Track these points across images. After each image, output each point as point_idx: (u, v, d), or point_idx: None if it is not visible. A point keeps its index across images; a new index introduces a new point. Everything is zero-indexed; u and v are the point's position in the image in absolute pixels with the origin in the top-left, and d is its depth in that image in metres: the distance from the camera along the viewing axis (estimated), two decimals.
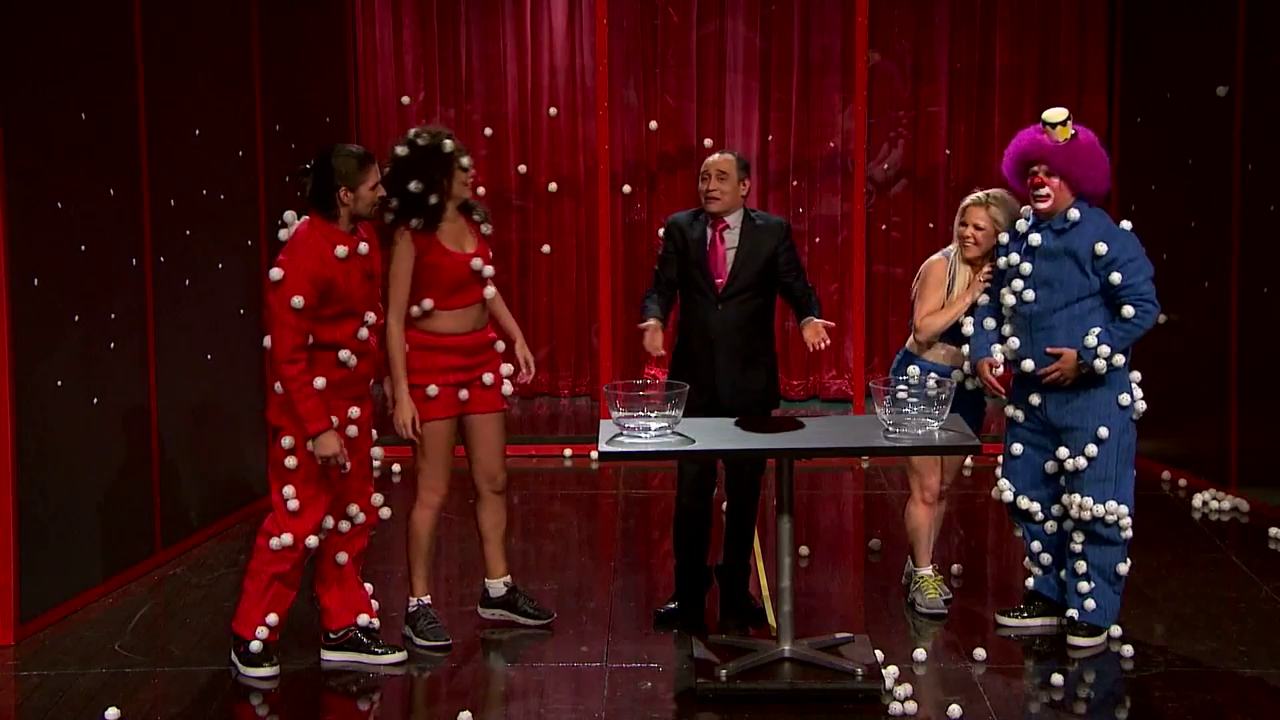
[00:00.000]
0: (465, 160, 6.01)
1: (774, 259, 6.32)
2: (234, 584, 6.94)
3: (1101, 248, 5.82)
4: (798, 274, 6.39)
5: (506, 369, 6.20)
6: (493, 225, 6.27)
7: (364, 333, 5.75)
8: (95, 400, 6.66)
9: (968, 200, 6.38)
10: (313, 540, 5.73)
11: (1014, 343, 6.02)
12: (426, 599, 6.20)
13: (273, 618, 5.80)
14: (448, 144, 5.97)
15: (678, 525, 6.47)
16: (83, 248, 6.58)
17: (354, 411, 5.77)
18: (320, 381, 5.60)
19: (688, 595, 6.46)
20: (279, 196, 8.35)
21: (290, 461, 5.66)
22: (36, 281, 6.26)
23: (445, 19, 10.50)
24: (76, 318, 6.53)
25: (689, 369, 6.29)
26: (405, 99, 10.42)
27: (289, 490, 5.68)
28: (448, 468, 6.12)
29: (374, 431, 6.03)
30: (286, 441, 5.66)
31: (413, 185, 5.91)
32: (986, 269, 6.28)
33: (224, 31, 7.95)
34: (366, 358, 5.81)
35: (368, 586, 6.09)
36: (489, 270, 6.07)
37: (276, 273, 5.56)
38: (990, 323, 6.12)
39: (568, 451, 9.45)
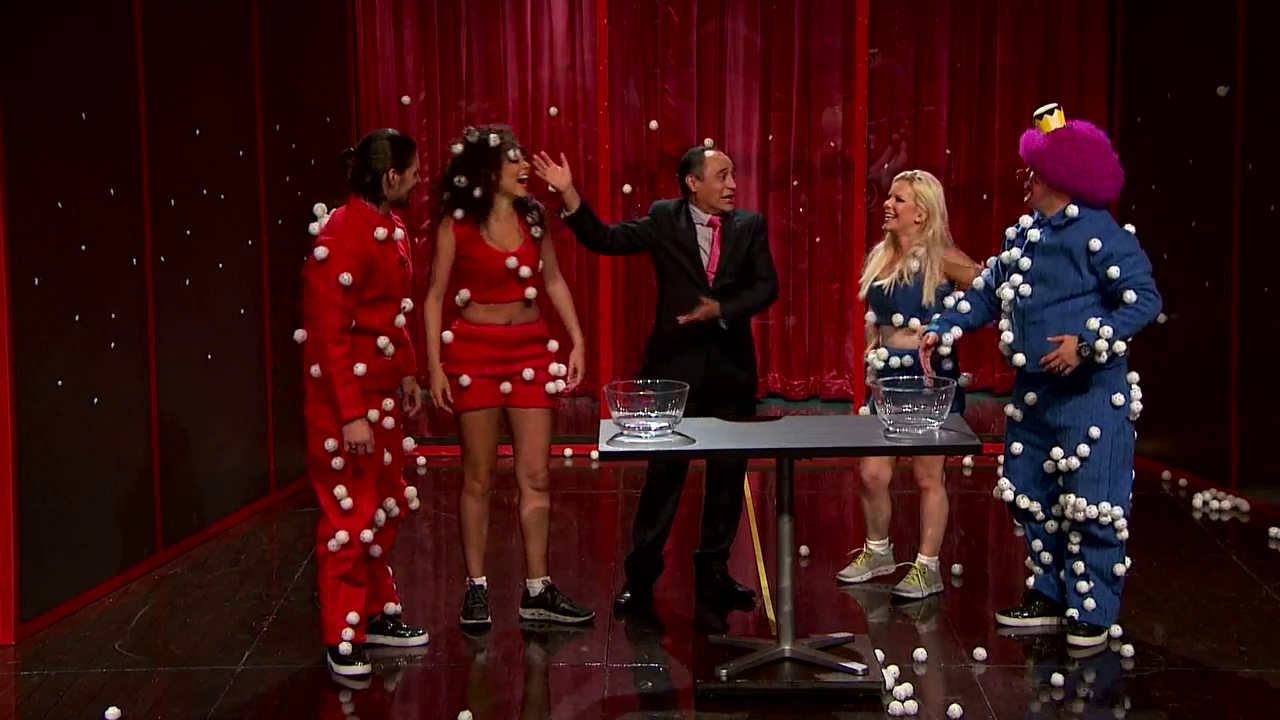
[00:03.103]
0: (513, 153, 6.10)
1: (750, 254, 6.42)
2: (234, 584, 6.95)
3: (1095, 243, 5.82)
4: (764, 265, 6.47)
5: (557, 368, 6.24)
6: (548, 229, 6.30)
7: (401, 320, 5.82)
8: (96, 400, 6.66)
9: (897, 175, 6.64)
10: (368, 534, 5.76)
11: (1007, 337, 6.04)
12: (479, 580, 6.32)
13: (353, 616, 5.81)
14: (493, 139, 6.08)
15: (641, 515, 6.56)
16: (83, 247, 6.58)
17: (388, 403, 5.83)
18: (361, 368, 5.62)
19: (639, 583, 6.58)
20: (279, 196, 8.36)
21: (337, 463, 5.67)
22: (37, 281, 6.26)
23: (445, 19, 10.49)
24: (77, 317, 6.53)
25: (675, 361, 6.34)
26: (405, 99, 10.41)
27: (340, 490, 5.70)
28: (487, 457, 6.21)
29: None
30: (330, 444, 5.66)
31: (458, 180, 6.06)
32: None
33: (224, 31, 7.95)
34: (403, 347, 5.87)
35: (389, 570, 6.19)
36: (525, 271, 6.13)
37: (321, 251, 5.58)
38: (965, 306, 6.19)
39: (568, 451, 9.44)
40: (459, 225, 6.08)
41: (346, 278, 5.54)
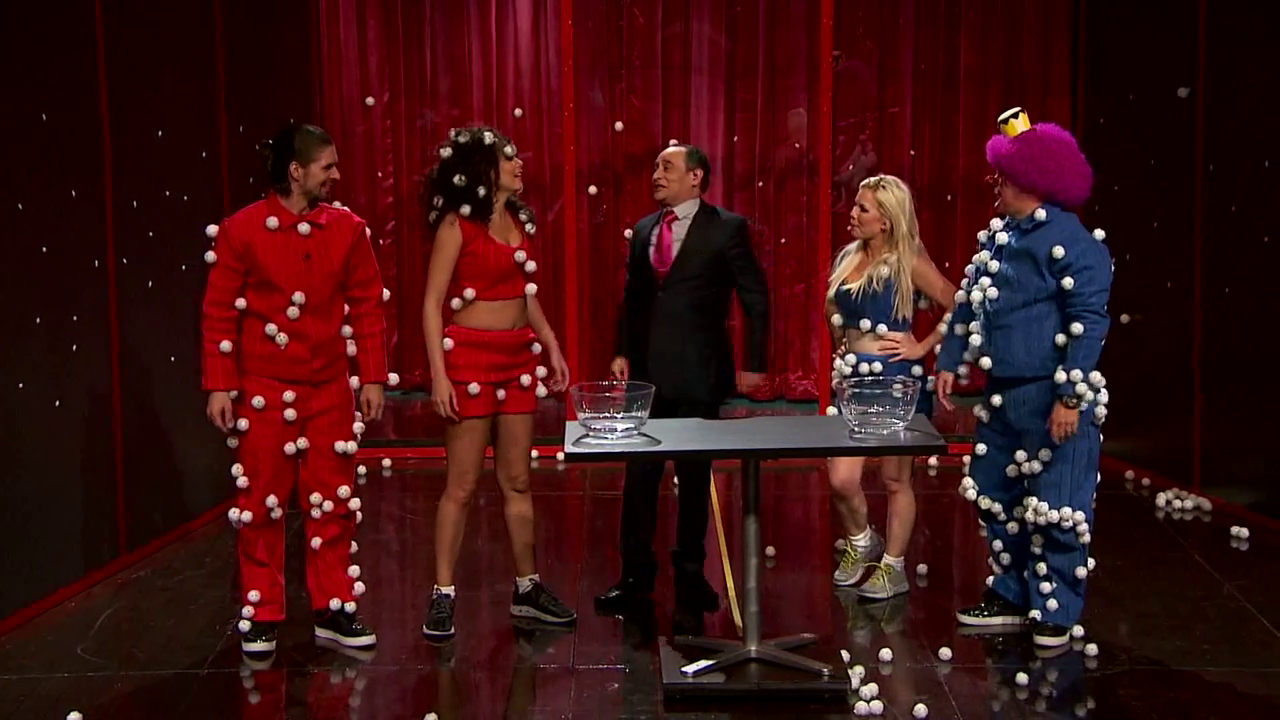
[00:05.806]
0: (509, 149, 6.10)
1: (722, 254, 6.47)
2: (199, 587, 6.92)
3: (1058, 251, 5.82)
4: (754, 281, 6.57)
5: (541, 372, 6.27)
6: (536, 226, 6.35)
7: (293, 311, 5.81)
8: (58, 403, 6.62)
9: (863, 182, 6.60)
10: (247, 515, 5.90)
11: (976, 340, 6.06)
12: (447, 590, 6.27)
13: (254, 594, 5.98)
14: (488, 136, 6.07)
15: (626, 514, 6.67)
16: (44, 249, 6.53)
17: (288, 395, 5.85)
18: (226, 345, 5.78)
19: (634, 582, 6.65)
20: (243, 198, 8.28)
21: (231, 441, 5.90)
22: None
23: (410, 19, 10.48)
24: (39, 320, 6.49)
25: (633, 353, 6.56)
26: (369, 100, 10.40)
27: (236, 468, 5.91)
28: (477, 465, 6.20)
29: (356, 428, 6.08)
30: (229, 424, 5.89)
31: (456, 179, 6.02)
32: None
33: (187, 31, 7.91)
34: (304, 342, 5.86)
35: (353, 570, 6.18)
36: (531, 265, 6.13)
37: (212, 228, 5.84)
38: (960, 329, 6.16)
39: (534, 453, 9.41)
40: (465, 222, 6.04)
41: (210, 256, 5.78)
